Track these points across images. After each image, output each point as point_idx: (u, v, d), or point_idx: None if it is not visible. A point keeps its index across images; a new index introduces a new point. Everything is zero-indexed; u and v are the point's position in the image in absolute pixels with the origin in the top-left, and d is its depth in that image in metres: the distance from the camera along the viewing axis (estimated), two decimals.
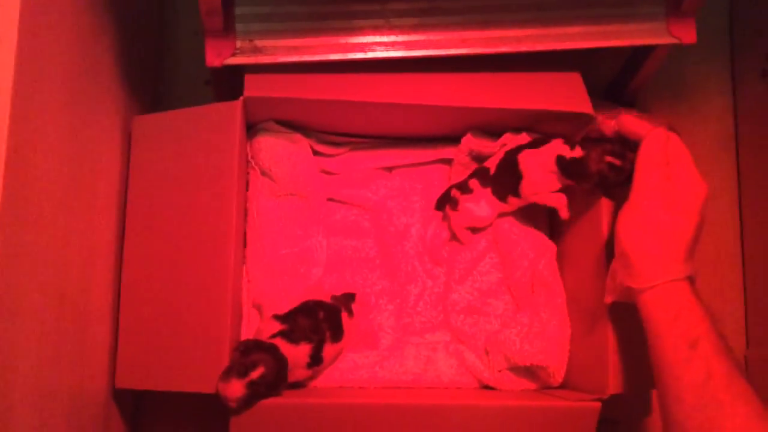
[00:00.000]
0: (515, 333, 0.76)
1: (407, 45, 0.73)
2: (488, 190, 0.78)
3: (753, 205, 0.93)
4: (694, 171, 0.63)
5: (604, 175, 0.69)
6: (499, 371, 0.77)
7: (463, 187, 0.79)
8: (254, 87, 0.71)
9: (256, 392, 0.64)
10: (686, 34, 0.74)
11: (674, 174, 0.63)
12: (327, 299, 0.77)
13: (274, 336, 0.68)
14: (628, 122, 0.67)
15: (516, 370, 0.77)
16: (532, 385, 0.77)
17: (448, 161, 0.84)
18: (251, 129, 0.78)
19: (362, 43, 0.72)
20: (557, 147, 0.72)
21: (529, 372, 0.77)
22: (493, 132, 0.80)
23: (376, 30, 0.73)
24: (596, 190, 0.72)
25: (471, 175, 0.80)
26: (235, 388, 0.63)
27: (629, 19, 0.74)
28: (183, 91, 0.94)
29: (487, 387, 0.78)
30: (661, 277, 0.61)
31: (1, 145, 0.48)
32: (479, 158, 0.81)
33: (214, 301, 0.69)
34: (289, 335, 0.69)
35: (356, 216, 0.83)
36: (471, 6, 0.73)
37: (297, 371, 0.70)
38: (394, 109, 0.75)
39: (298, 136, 0.79)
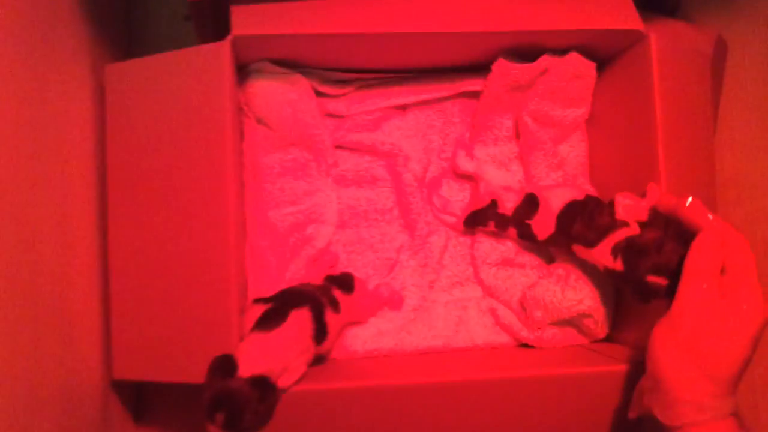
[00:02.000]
0: (554, 282, 0.68)
1: None
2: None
3: None
4: (755, 287, 0.51)
5: (645, 291, 0.58)
6: (539, 328, 0.69)
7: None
8: (243, 23, 0.60)
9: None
10: None
11: (729, 288, 0.52)
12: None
13: (259, 323, 0.58)
14: (688, 210, 0.55)
15: (557, 323, 0.69)
16: (574, 340, 0.70)
17: (472, 95, 0.73)
18: (242, 71, 0.67)
19: None
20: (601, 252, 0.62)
21: (571, 324, 0.70)
22: (527, 55, 0.68)
23: None
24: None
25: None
26: None
27: None
28: (160, 31, 0.82)
29: (525, 345, 0.71)
30: (702, 413, 0.51)
31: None
32: (516, 87, 0.70)
33: (215, 275, 0.59)
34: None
35: (369, 163, 0.73)
36: None
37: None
38: (407, 39, 0.64)
39: (297, 77, 0.68)
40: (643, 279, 0.57)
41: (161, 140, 0.61)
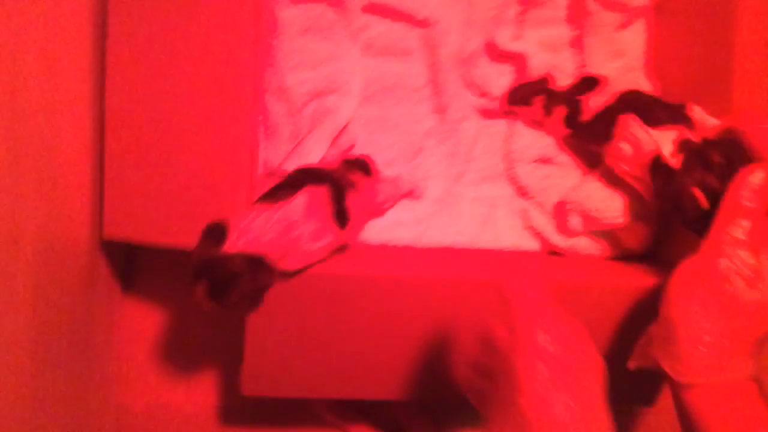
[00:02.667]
0: (599, 187, 0.61)
1: None
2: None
3: None
4: None
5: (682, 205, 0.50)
6: (574, 236, 0.62)
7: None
8: None
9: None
10: None
11: None
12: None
13: (267, 195, 0.51)
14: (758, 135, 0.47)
15: (594, 233, 0.62)
16: (609, 252, 0.63)
17: None
18: None
19: None
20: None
21: (609, 236, 0.63)
22: None
23: None
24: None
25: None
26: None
27: None
28: None
29: (554, 253, 0.64)
30: (722, 372, 0.43)
31: None
32: None
33: (225, 134, 0.52)
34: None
35: (402, 31, 0.64)
36: None
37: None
38: None
39: None
40: (688, 188, 0.50)
41: None
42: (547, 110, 0.61)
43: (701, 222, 0.49)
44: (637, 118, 0.55)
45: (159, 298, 0.66)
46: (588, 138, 0.61)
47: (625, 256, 0.63)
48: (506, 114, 0.65)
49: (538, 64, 0.63)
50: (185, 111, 0.52)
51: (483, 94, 0.64)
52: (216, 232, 0.47)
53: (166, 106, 0.52)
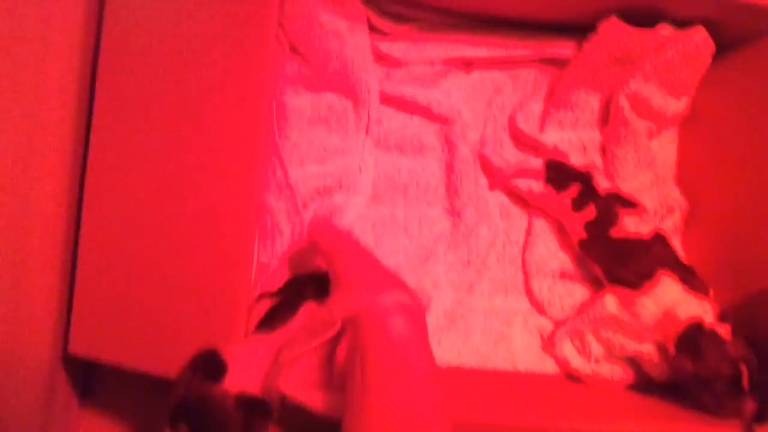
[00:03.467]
0: (625, 307, 0.55)
1: None
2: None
3: None
4: None
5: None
6: (597, 361, 0.56)
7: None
8: None
9: None
10: None
11: None
12: None
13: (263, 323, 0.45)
14: None
15: (620, 357, 0.56)
16: (630, 378, 0.57)
17: (554, 61, 0.59)
18: None
19: None
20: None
21: (630, 362, 0.57)
22: (638, 19, 0.54)
23: None
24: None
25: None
26: None
27: None
28: None
29: (574, 378, 0.58)
30: None
31: None
32: (620, 59, 0.56)
33: (219, 243, 0.44)
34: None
35: (417, 126, 0.58)
36: None
37: None
38: None
39: (354, 3, 0.53)
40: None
41: (174, 55, 0.46)
42: (577, 205, 0.56)
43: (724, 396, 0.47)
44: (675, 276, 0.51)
45: (118, 412, 0.58)
46: (607, 258, 0.56)
47: (650, 385, 0.57)
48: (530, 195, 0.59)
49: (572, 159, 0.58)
50: (172, 216, 0.45)
51: (502, 179, 0.59)
52: (212, 365, 0.39)
53: (152, 206, 0.45)
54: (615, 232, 0.55)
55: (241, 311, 0.43)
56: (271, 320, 0.44)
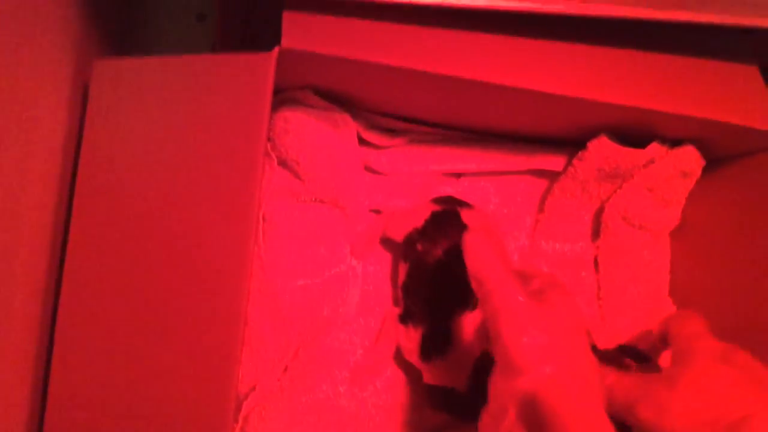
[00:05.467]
0: None
1: None
2: None
3: None
4: None
5: None
6: None
7: None
8: (294, 33, 0.45)
9: None
10: None
11: None
12: None
13: None
14: None
15: None
16: None
17: (543, 173, 0.60)
18: (275, 96, 0.51)
19: None
20: None
21: None
22: (630, 139, 0.55)
23: None
24: None
25: None
26: None
27: None
28: (164, 28, 0.67)
29: None
30: None
31: None
32: (610, 175, 0.56)
33: (204, 362, 0.43)
34: None
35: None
36: None
37: None
38: (488, 90, 0.49)
39: (344, 117, 0.53)
40: None
41: (153, 167, 0.45)
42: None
43: None
44: None
45: None
46: None
47: None
48: None
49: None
50: (156, 332, 0.43)
51: None
52: None
53: (131, 318, 0.43)
54: None
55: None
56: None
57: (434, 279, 0.51)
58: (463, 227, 0.52)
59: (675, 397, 0.42)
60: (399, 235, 0.54)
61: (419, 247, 0.52)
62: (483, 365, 0.47)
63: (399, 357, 0.55)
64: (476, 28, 0.49)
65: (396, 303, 0.56)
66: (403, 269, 0.53)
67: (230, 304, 0.43)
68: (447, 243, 0.51)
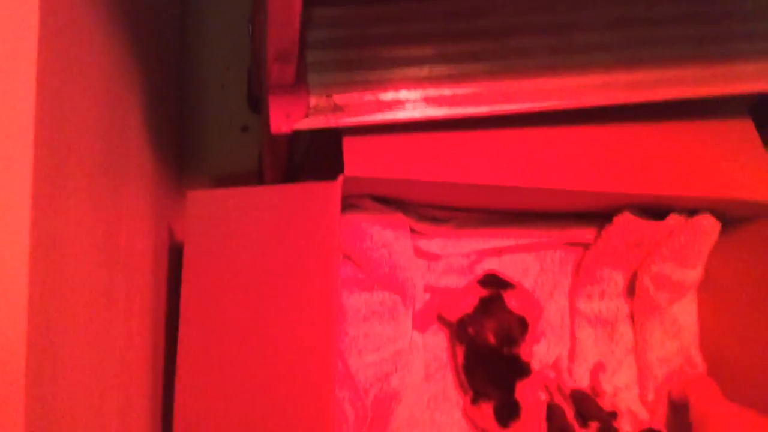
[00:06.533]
0: None
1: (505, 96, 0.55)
2: None
3: None
4: None
5: None
6: None
7: None
8: (354, 160, 0.54)
9: None
10: None
11: None
12: None
13: None
14: None
15: None
16: None
17: (579, 245, 0.67)
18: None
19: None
20: None
21: None
22: (652, 211, 0.62)
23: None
24: None
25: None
26: None
27: None
28: (213, 142, 0.78)
29: None
30: None
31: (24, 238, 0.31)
32: (637, 244, 0.63)
33: None
34: None
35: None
36: (619, 40, 0.56)
37: None
38: (521, 192, 0.58)
39: (398, 216, 0.61)
40: None
41: (248, 280, 0.54)
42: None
43: None
44: None
45: None
46: None
47: None
48: None
49: (587, 342, 0.65)
50: (261, 415, 0.52)
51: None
52: None
53: (239, 417, 0.52)
54: None
55: None
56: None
57: (491, 359, 0.60)
58: (507, 310, 0.60)
59: None
60: (452, 317, 0.62)
61: (471, 330, 0.60)
62: (553, 412, 0.59)
63: None
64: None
65: (461, 385, 0.64)
66: (460, 351, 0.61)
67: (320, 384, 0.52)
68: (494, 325, 0.59)
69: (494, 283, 0.62)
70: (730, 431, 0.50)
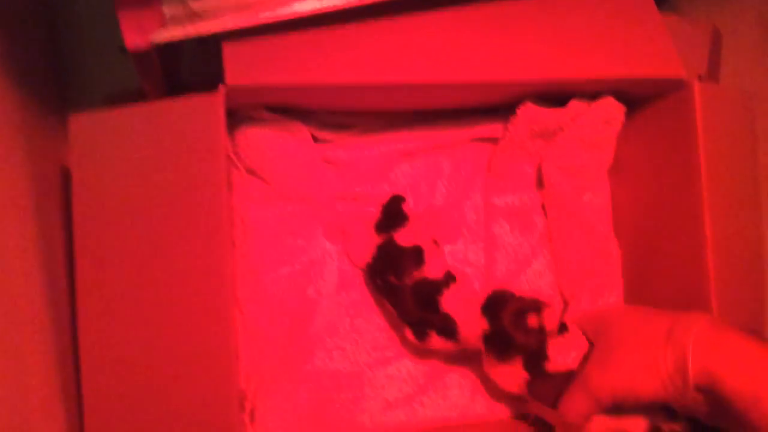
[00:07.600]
0: None
1: None
2: None
3: None
4: None
5: None
6: None
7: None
8: (236, 68, 0.51)
9: None
10: None
11: None
12: None
13: None
14: None
15: None
16: None
17: (486, 140, 0.66)
18: (232, 117, 0.58)
19: None
20: None
21: None
22: (555, 98, 0.61)
23: None
24: None
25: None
26: None
27: None
28: (91, 65, 0.73)
29: None
30: None
31: None
32: (541, 133, 0.62)
33: (210, 372, 0.51)
34: None
35: (372, 214, 0.65)
36: None
37: None
38: (420, 89, 0.56)
39: (295, 125, 0.59)
40: None
41: (141, 202, 0.52)
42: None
43: None
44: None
45: None
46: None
47: None
48: None
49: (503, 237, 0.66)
50: (163, 350, 0.51)
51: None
52: None
53: (143, 342, 0.51)
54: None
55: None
56: None
57: (403, 293, 0.59)
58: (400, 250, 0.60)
59: None
60: (358, 264, 0.64)
61: (378, 281, 0.61)
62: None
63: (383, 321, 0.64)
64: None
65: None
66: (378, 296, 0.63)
67: (219, 302, 0.51)
68: (393, 271, 0.59)
69: (391, 217, 0.61)
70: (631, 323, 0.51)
